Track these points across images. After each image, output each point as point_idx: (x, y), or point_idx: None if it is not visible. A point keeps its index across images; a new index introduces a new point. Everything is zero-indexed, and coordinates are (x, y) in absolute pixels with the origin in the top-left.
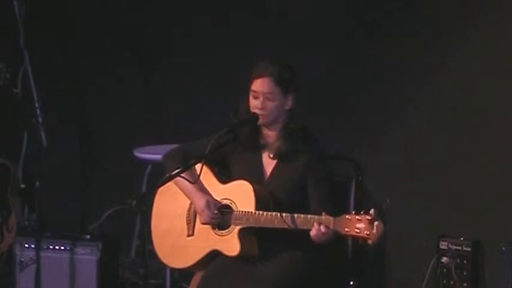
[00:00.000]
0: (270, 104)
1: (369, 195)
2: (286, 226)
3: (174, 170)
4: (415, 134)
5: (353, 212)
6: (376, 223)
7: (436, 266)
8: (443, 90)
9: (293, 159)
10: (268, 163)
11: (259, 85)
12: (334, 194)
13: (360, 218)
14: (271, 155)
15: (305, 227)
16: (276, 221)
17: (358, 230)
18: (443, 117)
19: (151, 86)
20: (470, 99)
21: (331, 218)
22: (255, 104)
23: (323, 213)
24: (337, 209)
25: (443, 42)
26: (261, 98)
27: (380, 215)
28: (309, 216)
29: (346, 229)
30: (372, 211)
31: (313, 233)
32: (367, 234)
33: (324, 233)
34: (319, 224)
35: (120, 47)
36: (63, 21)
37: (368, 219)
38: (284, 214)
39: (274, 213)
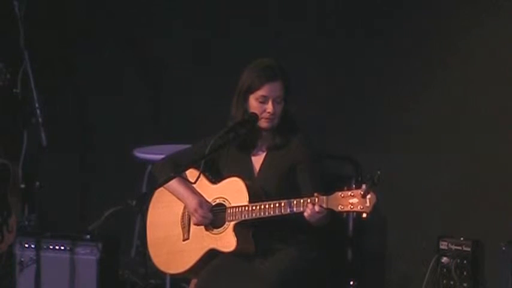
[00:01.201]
0: (279, 107)
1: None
2: (280, 212)
3: (167, 177)
4: (415, 134)
5: (345, 188)
6: (368, 196)
7: (436, 266)
8: (443, 90)
9: (281, 151)
10: (257, 160)
11: (271, 89)
12: (323, 178)
13: (352, 194)
14: (262, 151)
15: (299, 210)
16: (270, 209)
17: (352, 206)
18: (444, 117)
19: (151, 86)
20: (470, 99)
21: (324, 197)
22: (264, 109)
23: (315, 194)
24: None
25: (444, 42)
26: (271, 102)
27: (372, 187)
28: (302, 199)
29: (340, 206)
30: (363, 185)
31: (307, 213)
32: (361, 208)
33: (318, 212)
34: (313, 203)
35: (120, 47)
36: (63, 21)
37: (361, 194)
38: (278, 201)
39: (267, 203)
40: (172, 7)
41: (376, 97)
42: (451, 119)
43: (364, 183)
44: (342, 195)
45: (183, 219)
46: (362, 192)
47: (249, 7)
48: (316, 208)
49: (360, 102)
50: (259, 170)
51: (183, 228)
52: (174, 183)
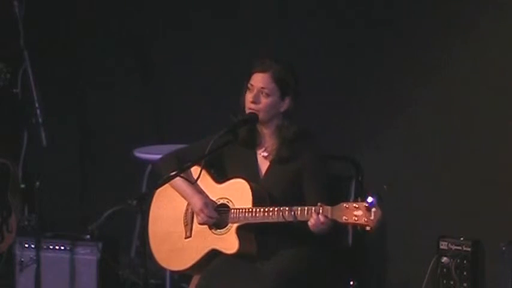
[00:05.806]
0: (264, 100)
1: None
2: (284, 219)
3: (171, 173)
4: (415, 134)
5: (350, 200)
6: (373, 209)
7: (436, 266)
8: (443, 89)
9: (289, 158)
10: (263, 161)
11: (257, 79)
12: (329, 187)
13: (357, 206)
14: (266, 155)
15: (303, 219)
16: (274, 215)
17: (356, 218)
18: (443, 117)
19: (151, 86)
20: (470, 99)
21: (329, 207)
22: (248, 97)
23: (319, 204)
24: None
25: (444, 41)
26: (255, 92)
27: (377, 201)
28: (306, 207)
29: (344, 217)
30: (369, 198)
31: (311, 222)
32: (365, 221)
33: (322, 223)
34: (318, 213)
35: (120, 47)
36: (63, 21)
37: (366, 206)
38: (282, 208)
39: (271, 208)
40: (172, 8)
41: (377, 97)
42: (451, 119)
43: (370, 195)
44: (347, 206)
45: (186, 216)
46: (367, 205)
47: (250, 6)
48: (321, 218)
49: (360, 102)
50: (266, 172)
51: (185, 225)
52: (178, 181)
